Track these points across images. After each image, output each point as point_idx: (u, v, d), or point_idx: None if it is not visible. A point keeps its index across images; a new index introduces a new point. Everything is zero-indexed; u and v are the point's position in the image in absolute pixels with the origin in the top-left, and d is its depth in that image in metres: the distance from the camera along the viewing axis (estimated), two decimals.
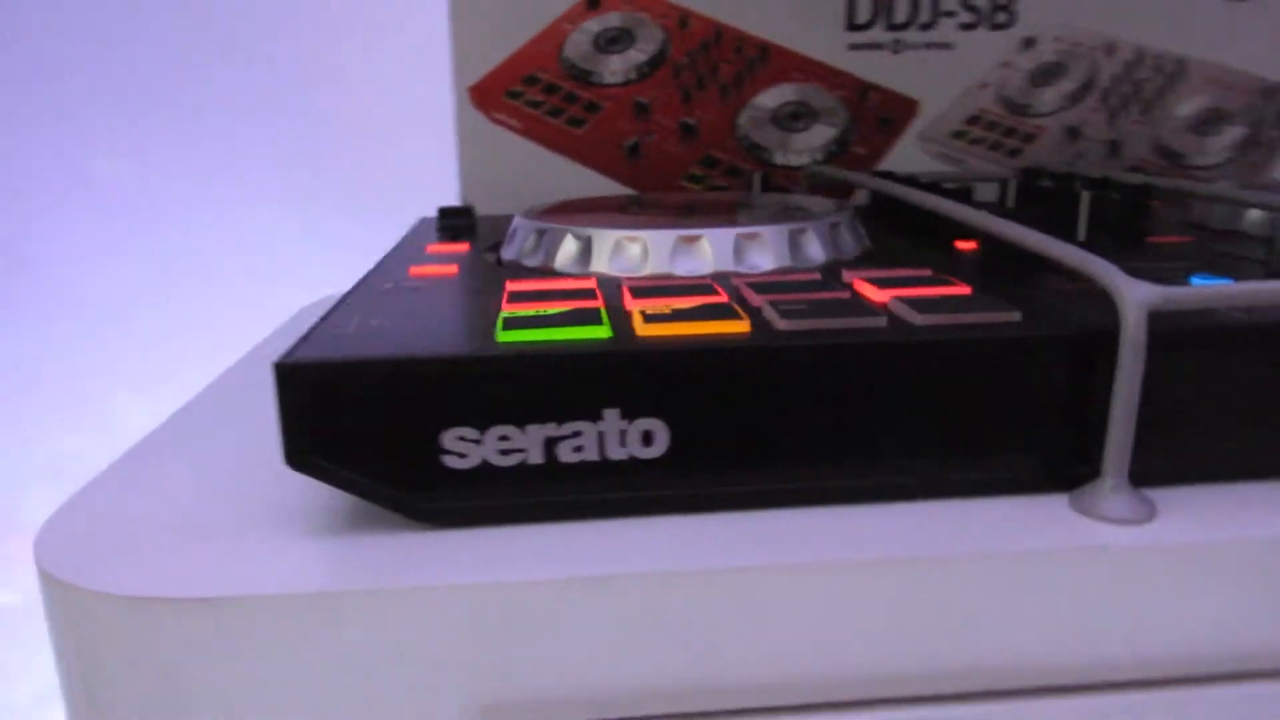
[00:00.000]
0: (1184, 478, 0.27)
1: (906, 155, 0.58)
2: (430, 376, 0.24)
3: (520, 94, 0.56)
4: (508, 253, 0.39)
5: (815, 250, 0.36)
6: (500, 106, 0.56)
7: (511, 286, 0.32)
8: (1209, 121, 0.59)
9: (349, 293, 0.33)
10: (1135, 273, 0.25)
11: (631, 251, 0.35)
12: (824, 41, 0.57)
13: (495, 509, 0.26)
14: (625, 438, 0.25)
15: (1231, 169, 0.60)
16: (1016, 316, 0.27)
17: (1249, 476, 0.27)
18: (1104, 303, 0.25)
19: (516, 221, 0.40)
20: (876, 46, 0.57)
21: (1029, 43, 0.58)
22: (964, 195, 0.42)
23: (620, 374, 0.25)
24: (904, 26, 0.57)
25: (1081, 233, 0.38)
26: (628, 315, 0.28)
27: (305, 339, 0.26)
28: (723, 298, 0.29)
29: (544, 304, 0.29)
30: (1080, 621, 0.24)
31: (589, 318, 0.27)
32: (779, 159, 0.58)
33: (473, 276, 0.35)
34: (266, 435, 0.32)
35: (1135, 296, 0.24)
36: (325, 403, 0.24)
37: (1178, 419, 0.26)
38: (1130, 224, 0.41)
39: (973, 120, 0.58)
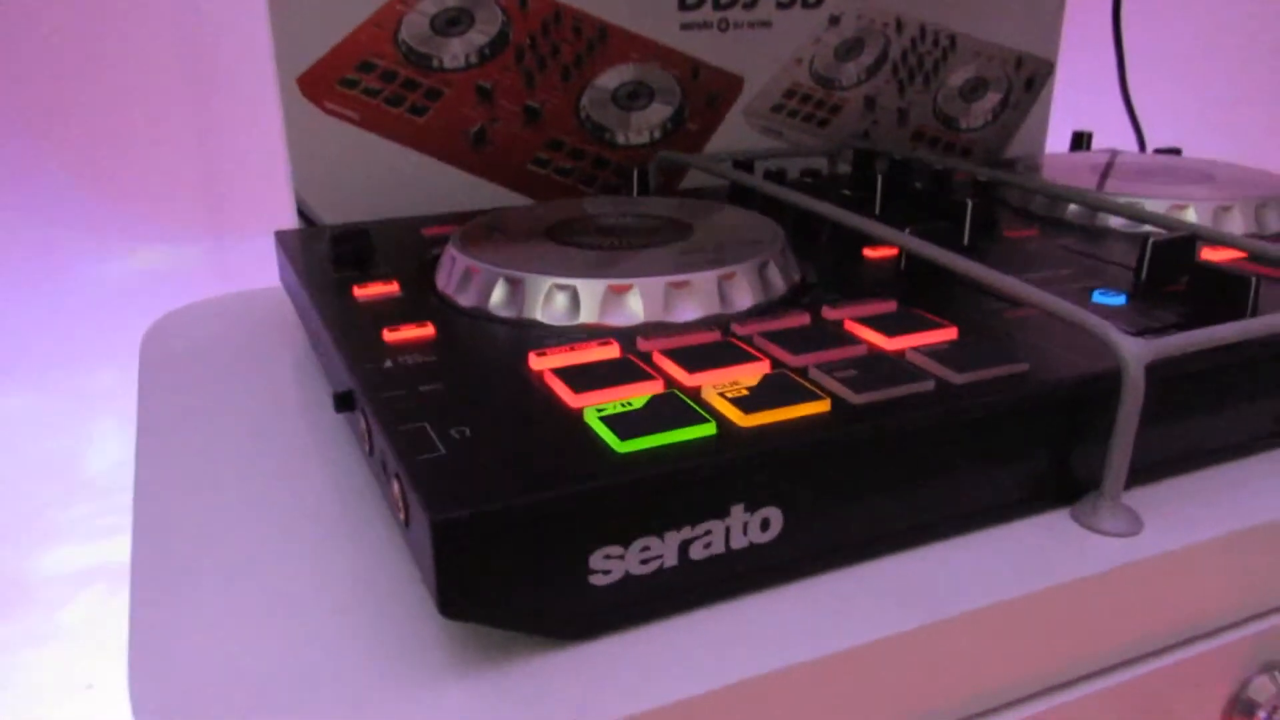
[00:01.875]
0: (1155, 477, 0.33)
1: (732, 130, 0.61)
2: (578, 508, 0.24)
3: (356, 82, 0.52)
4: (465, 298, 0.37)
5: (778, 281, 0.38)
6: (334, 97, 0.52)
7: (538, 364, 0.31)
8: (974, 89, 0.67)
9: (359, 381, 0.31)
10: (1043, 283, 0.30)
11: (625, 302, 0.35)
12: (657, 21, 0.57)
13: (635, 613, 0.26)
14: (747, 528, 0.27)
15: (989, 130, 0.69)
16: (1026, 366, 0.31)
17: (1202, 466, 0.34)
18: (1067, 338, 0.30)
19: (459, 259, 0.38)
20: (706, 25, 0.58)
21: (834, 20, 0.62)
22: (818, 183, 0.46)
23: (743, 472, 0.26)
24: (729, 6, 0.58)
25: (966, 238, 0.44)
26: (701, 398, 0.29)
27: (418, 479, 0.24)
28: (763, 363, 0.31)
29: (612, 390, 0.29)
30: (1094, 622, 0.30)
31: (683, 412, 0.27)
32: (620, 139, 0.58)
33: (461, 340, 0.34)
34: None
35: (1135, 353, 0.29)
36: (480, 552, 0.24)
37: (1154, 433, 0.32)
38: (988, 222, 0.47)
39: (789, 94, 0.62)
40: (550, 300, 0.35)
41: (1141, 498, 0.32)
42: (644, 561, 0.26)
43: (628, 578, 0.26)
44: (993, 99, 0.68)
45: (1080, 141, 0.63)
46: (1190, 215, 0.46)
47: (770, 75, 0.61)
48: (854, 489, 0.28)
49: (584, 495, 0.24)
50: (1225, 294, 0.35)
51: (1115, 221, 0.47)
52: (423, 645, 0.26)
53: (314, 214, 0.53)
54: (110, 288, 0.65)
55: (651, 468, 0.25)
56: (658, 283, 0.35)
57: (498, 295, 0.36)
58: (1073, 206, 0.49)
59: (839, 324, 0.34)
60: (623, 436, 0.26)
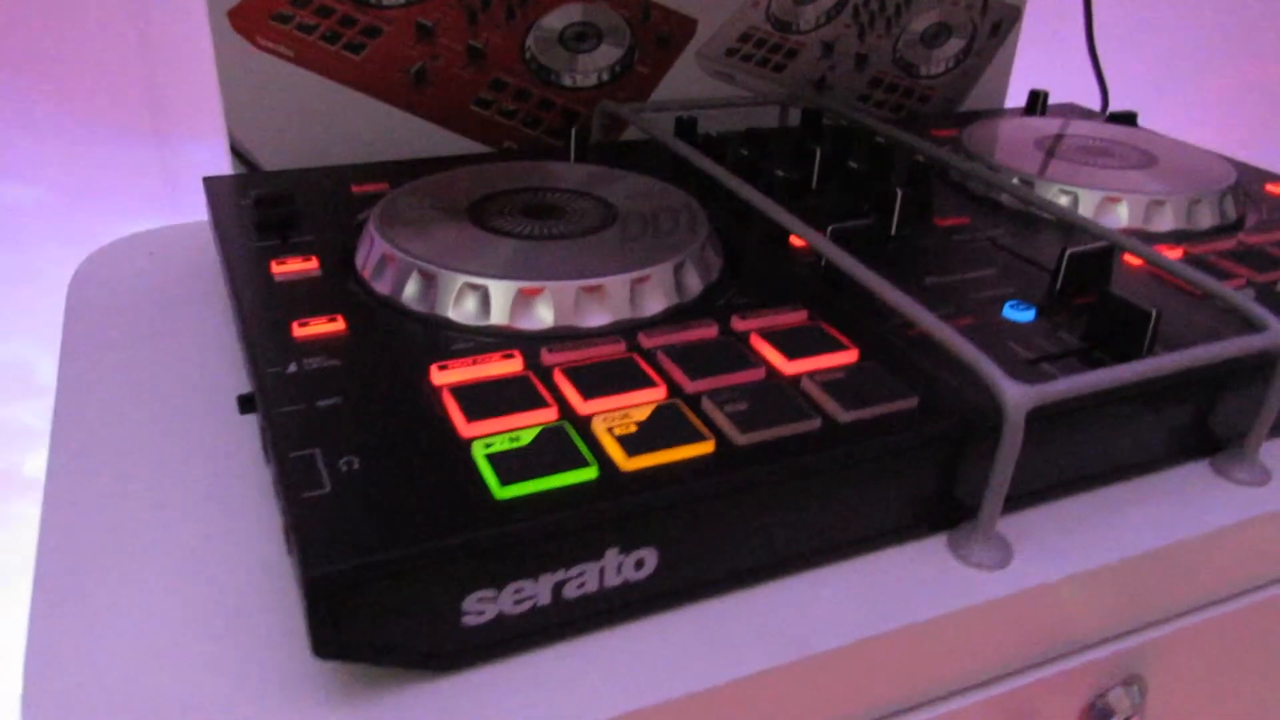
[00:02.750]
0: (1035, 503, 0.34)
1: (684, 74, 0.60)
2: (453, 558, 0.25)
3: (290, 18, 0.50)
4: (380, 285, 0.37)
5: (694, 283, 0.38)
6: (267, 32, 0.50)
7: (440, 379, 0.32)
8: (937, 35, 0.66)
9: (260, 387, 0.31)
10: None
11: (535, 306, 0.35)
12: None
13: (506, 646, 0.28)
14: (621, 568, 0.28)
15: (950, 77, 0.68)
16: (915, 402, 0.32)
17: (1086, 490, 0.35)
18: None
19: (377, 243, 0.38)
20: None
21: None
22: (757, 152, 0.45)
23: (620, 516, 0.27)
24: None
25: (894, 228, 0.44)
26: (591, 430, 0.29)
27: (299, 524, 0.25)
28: (659, 388, 0.31)
29: (504, 419, 0.29)
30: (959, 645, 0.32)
31: (566, 453, 0.28)
32: (567, 81, 0.57)
33: (371, 339, 0.34)
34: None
35: (1016, 401, 0.30)
36: (354, 601, 0.25)
37: (1037, 462, 0.33)
38: (923, 206, 0.47)
39: (744, 38, 0.60)
40: (462, 300, 0.35)
41: (1020, 523, 0.34)
42: (517, 602, 0.27)
43: (500, 616, 0.27)
44: (955, 45, 0.67)
45: (1036, 101, 0.62)
46: (1122, 210, 0.47)
47: (725, 17, 0.59)
48: (731, 529, 0.29)
49: (459, 547, 0.25)
50: (1126, 326, 0.35)
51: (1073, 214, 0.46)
52: (302, 675, 0.27)
53: (250, 154, 0.52)
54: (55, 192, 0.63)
55: (528, 516, 0.26)
56: (570, 287, 0.35)
57: (411, 289, 0.36)
58: (1010, 185, 0.48)
59: (745, 338, 0.35)
60: (504, 480, 0.27)
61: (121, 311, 0.45)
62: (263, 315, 0.35)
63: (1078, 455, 0.35)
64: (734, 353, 0.34)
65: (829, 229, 0.40)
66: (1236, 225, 0.48)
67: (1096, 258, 0.40)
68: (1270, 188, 0.53)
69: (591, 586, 0.28)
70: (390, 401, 0.31)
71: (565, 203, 0.43)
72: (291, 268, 0.39)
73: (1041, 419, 0.32)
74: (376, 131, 0.54)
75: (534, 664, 0.28)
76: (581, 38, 0.56)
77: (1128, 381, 0.32)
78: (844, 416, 0.31)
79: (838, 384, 0.32)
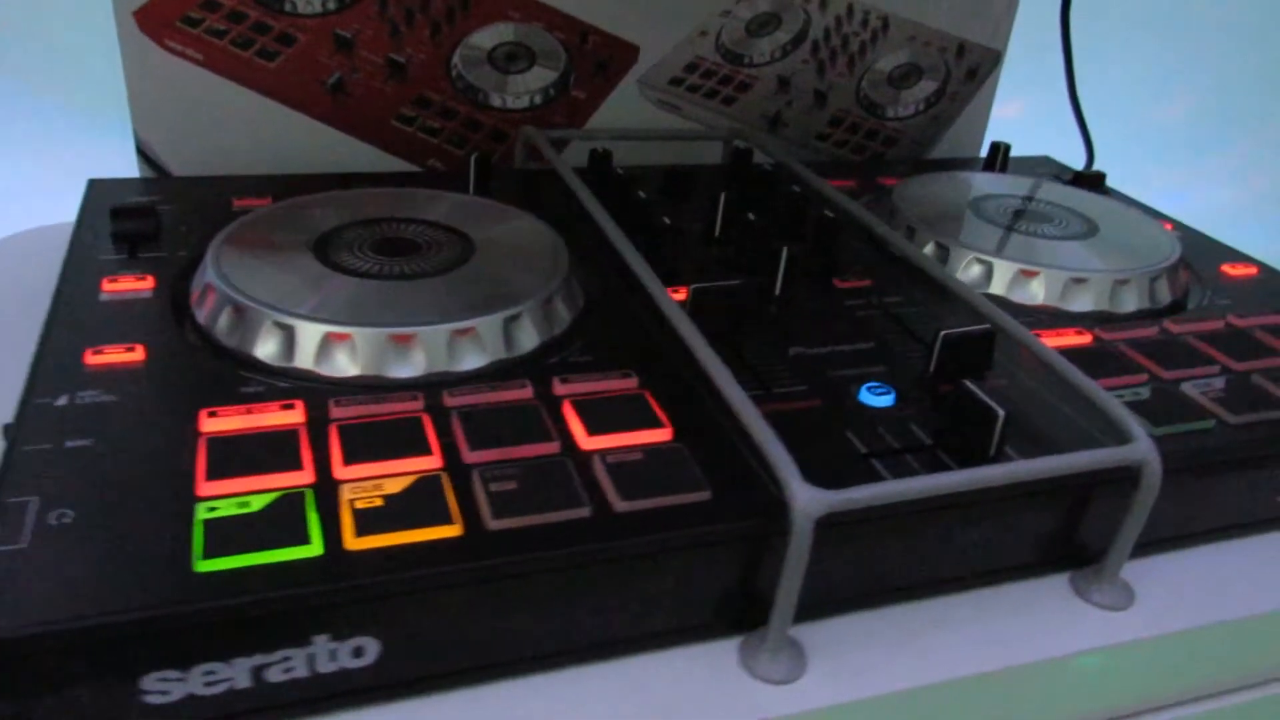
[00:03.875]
0: (835, 613, 0.32)
1: (627, 100, 0.57)
2: (125, 636, 0.24)
3: (200, 21, 0.49)
4: (200, 314, 0.36)
5: (528, 338, 0.36)
6: (175, 35, 0.49)
7: (207, 426, 0.30)
8: (906, 76, 0.62)
9: (20, 419, 0.30)
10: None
11: (340, 354, 0.33)
12: None
13: None
14: (335, 655, 0.26)
15: (920, 120, 0.64)
16: (707, 495, 0.29)
17: (889, 603, 0.32)
18: None
19: (207, 269, 0.36)
20: None
21: None
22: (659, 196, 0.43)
23: (331, 605, 0.25)
24: None
25: (779, 288, 0.41)
26: (337, 497, 0.27)
27: None
28: (432, 457, 0.29)
29: (246, 479, 0.28)
30: None
31: (295, 524, 0.26)
32: (496, 101, 0.55)
33: (162, 372, 0.32)
34: None
35: (804, 508, 0.27)
36: (24, 668, 0.23)
37: (824, 575, 0.31)
38: (825, 264, 0.44)
39: (691, 67, 0.58)
40: (267, 339, 0.34)
41: (830, 633, 0.31)
42: (208, 684, 0.25)
43: (191, 697, 0.25)
44: (926, 88, 0.63)
45: (996, 154, 0.59)
46: (1036, 286, 0.43)
47: (670, 45, 0.57)
48: (472, 621, 0.27)
49: (130, 624, 0.23)
50: (975, 425, 0.32)
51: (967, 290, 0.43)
52: None
53: (158, 158, 0.51)
54: None
55: (213, 596, 0.24)
56: (379, 335, 0.33)
57: (223, 321, 0.35)
58: (928, 247, 0.45)
59: (558, 404, 0.33)
60: (208, 552, 0.25)
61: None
62: (65, 336, 0.34)
63: (902, 562, 0.32)
64: (533, 421, 0.31)
65: (692, 288, 0.38)
66: (1169, 310, 0.44)
67: (974, 341, 0.37)
68: (1227, 268, 0.49)
69: (301, 673, 0.26)
70: (145, 448, 0.29)
71: (423, 237, 0.41)
72: (123, 286, 0.37)
73: (849, 523, 0.29)
74: (292, 141, 0.53)
75: None
76: (512, 58, 0.54)
77: (936, 493, 0.29)
78: (620, 505, 0.28)
79: (628, 467, 0.30)
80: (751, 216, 0.45)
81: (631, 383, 0.34)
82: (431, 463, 0.29)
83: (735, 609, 0.30)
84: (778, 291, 0.41)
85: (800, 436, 0.32)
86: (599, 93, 0.57)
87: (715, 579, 0.29)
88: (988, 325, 0.37)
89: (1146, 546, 0.35)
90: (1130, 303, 0.43)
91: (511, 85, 0.55)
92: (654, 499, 0.29)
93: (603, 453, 0.30)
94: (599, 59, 0.56)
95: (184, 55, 0.49)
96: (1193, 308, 0.45)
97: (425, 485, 0.28)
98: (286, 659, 0.25)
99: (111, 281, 0.38)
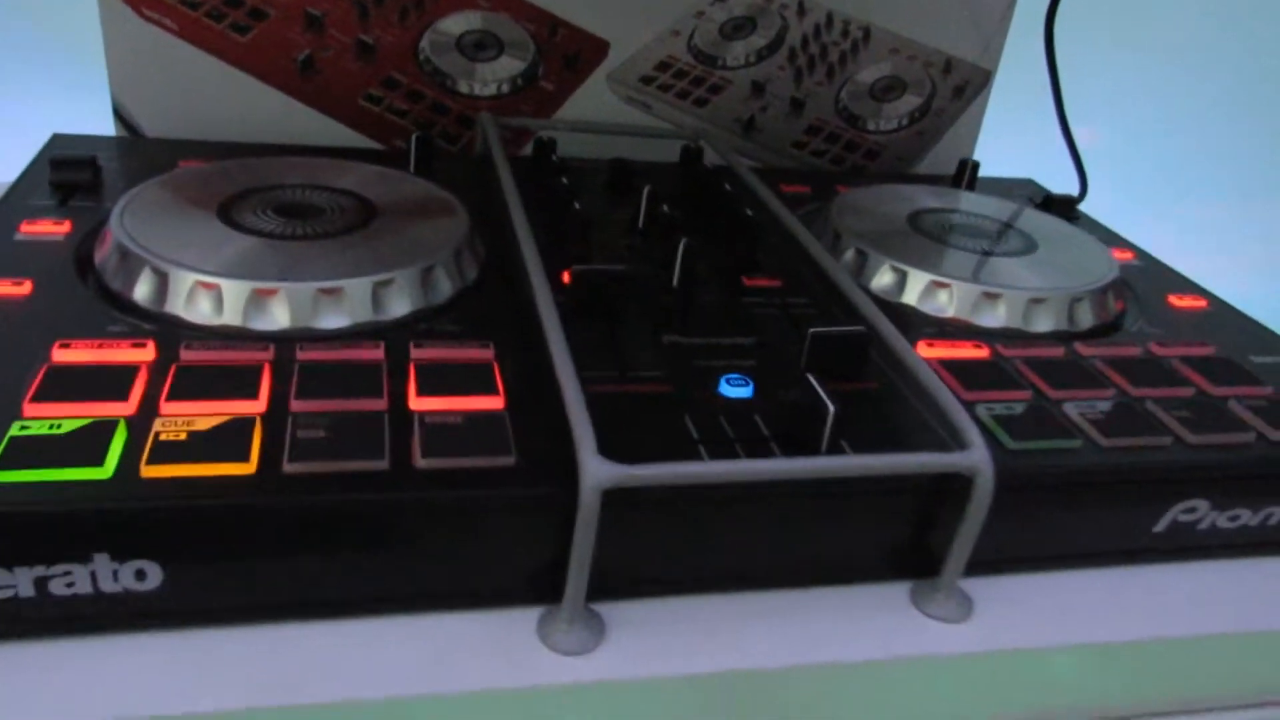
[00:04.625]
0: (638, 594, 0.32)
1: (596, 95, 0.58)
2: None
3: None
4: (98, 255, 0.37)
5: (399, 304, 0.37)
6: (151, 3, 0.51)
7: (57, 356, 0.31)
8: (889, 89, 0.62)
9: None
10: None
11: (204, 301, 0.35)
12: None
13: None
14: (118, 575, 0.27)
15: (902, 135, 0.63)
16: (510, 461, 0.29)
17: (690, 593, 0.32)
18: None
19: (111, 221, 0.38)
20: None
21: None
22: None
23: (110, 524, 0.26)
24: None
25: (675, 279, 0.41)
26: (150, 430, 0.29)
27: None
28: (257, 402, 0.30)
29: (69, 405, 0.29)
30: None
31: (95, 448, 0.27)
32: (464, 88, 0.56)
33: (43, 307, 0.34)
34: None
35: (593, 479, 0.27)
36: None
37: (625, 555, 0.31)
38: (735, 265, 0.44)
39: (662, 66, 0.58)
40: (143, 282, 0.35)
41: (636, 613, 0.31)
42: None
43: None
44: (910, 103, 0.62)
45: (963, 171, 0.58)
46: (944, 297, 0.42)
47: (642, 44, 0.57)
48: (259, 558, 0.28)
49: None
50: (809, 419, 0.32)
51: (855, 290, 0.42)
52: None
53: (132, 120, 0.54)
54: None
55: (3, 503, 0.25)
56: (243, 286, 0.35)
57: (111, 264, 0.36)
58: (847, 254, 0.45)
59: (404, 368, 0.33)
60: (4, 464, 0.26)
61: None
62: None
63: (728, 553, 0.32)
64: (369, 380, 0.32)
65: (572, 269, 0.38)
66: (1091, 333, 0.43)
67: (845, 341, 0.36)
68: (1175, 299, 0.47)
69: (85, 588, 0.27)
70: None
71: (328, 203, 0.42)
72: (39, 229, 0.40)
73: (656, 502, 0.29)
74: (261, 113, 0.55)
75: (13, 651, 0.27)
76: (481, 46, 0.56)
77: (729, 479, 0.29)
78: (421, 462, 0.29)
79: (443, 429, 0.30)
80: (665, 209, 0.45)
81: (487, 354, 0.35)
82: (254, 407, 0.30)
83: (538, 579, 0.30)
84: (675, 283, 0.41)
85: (635, 419, 0.33)
86: (568, 86, 0.58)
87: (516, 546, 0.30)
88: (862, 327, 0.37)
89: (1003, 564, 0.34)
90: (1044, 323, 0.42)
91: (479, 73, 0.56)
92: (456, 459, 0.29)
93: (425, 414, 0.31)
94: (568, 52, 0.57)
95: (160, 24, 0.52)
96: (1114, 335, 0.43)
97: (234, 425, 0.29)
98: (68, 573, 0.27)
99: (30, 224, 0.40)
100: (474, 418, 0.31)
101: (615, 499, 0.28)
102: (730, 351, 0.37)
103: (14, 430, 0.28)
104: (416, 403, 0.32)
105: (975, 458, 0.31)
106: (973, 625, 0.32)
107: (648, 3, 0.56)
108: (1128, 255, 0.52)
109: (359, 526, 0.28)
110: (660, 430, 0.32)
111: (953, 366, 0.38)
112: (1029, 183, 0.62)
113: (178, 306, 0.35)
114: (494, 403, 0.32)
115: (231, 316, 0.34)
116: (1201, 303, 0.47)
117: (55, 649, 0.27)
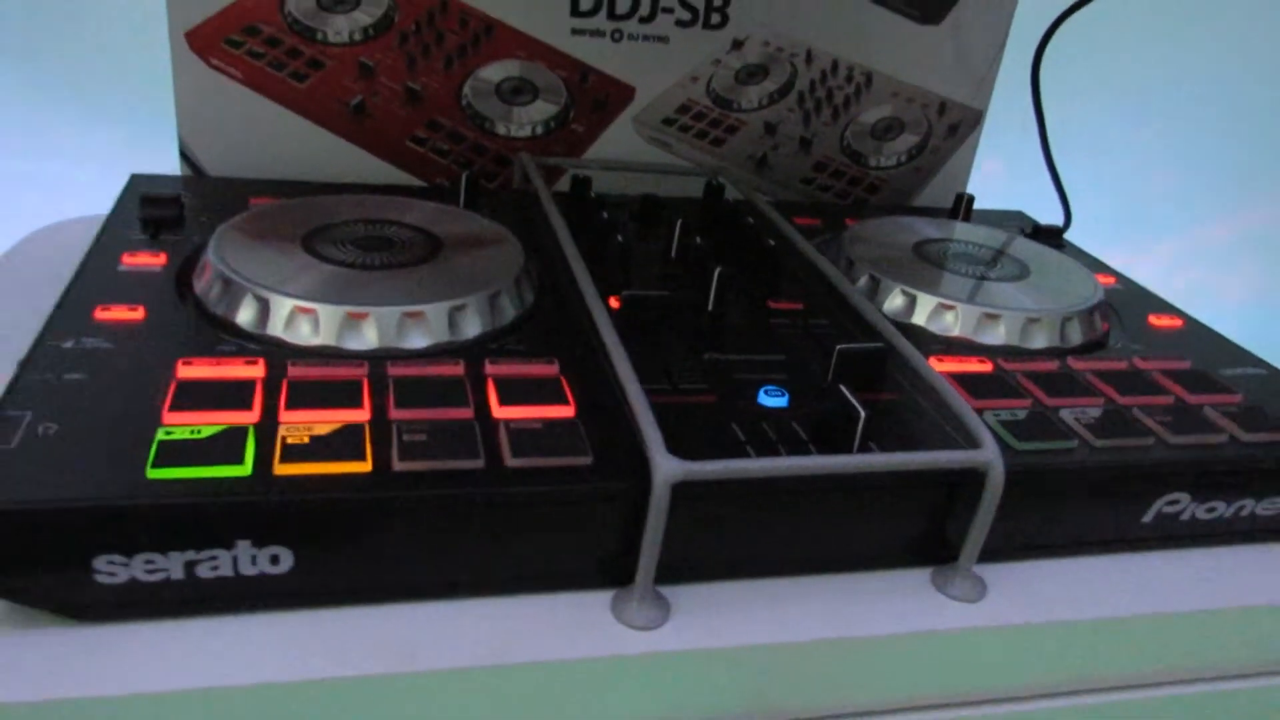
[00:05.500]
0: (699, 578, 0.36)
1: (622, 135, 0.63)
2: (82, 520, 0.29)
3: (241, 44, 0.56)
4: (197, 285, 0.42)
5: (471, 326, 0.41)
6: (219, 54, 0.56)
7: (182, 373, 0.36)
8: (889, 129, 0.67)
9: (31, 355, 0.36)
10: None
11: (304, 324, 0.39)
12: (547, 23, 0.59)
13: (141, 608, 0.31)
14: (255, 560, 0.31)
15: (902, 171, 0.69)
16: (588, 460, 0.34)
17: (740, 577, 0.36)
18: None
19: (209, 253, 0.42)
20: (598, 34, 0.60)
21: (738, 44, 0.62)
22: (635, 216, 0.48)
23: (252, 514, 0.30)
24: (625, 17, 0.60)
25: (711, 303, 0.45)
26: (273, 438, 0.33)
27: None
28: (363, 410, 0.35)
29: (203, 414, 0.33)
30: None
31: (234, 450, 0.32)
32: (501, 129, 0.61)
33: (157, 330, 0.39)
34: None
35: (664, 474, 0.32)
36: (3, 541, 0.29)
37: (693, 541, 0.35)
38: (760, 290, 0.49)
39: (683, 109, 0.63)
40: (246, 307, 0.39)
41: (690, 595, 0.35)
42: (149, 571, 0.30)
43: (134, 581, 0.30)
44: (908, 141, 0.68)
45: (959, 204, 0.63)
46: (950, 319, 0.47)
47: (664, 89, 0.62)
48: (374, 546, 0.32)
49: (85, 510, 0.29)
50: (842, 423, 0.37)
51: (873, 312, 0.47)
52: None
53: (198, 161, 0.58)
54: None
55: (154, 496, 0.30)
56: (338, 310, 0.39)
57: (214, 292, 0.41)
58: (861, 281, 0.50)
59: (481, 382, 0.38)
60: (158, 463, 0.31)
61: (15, 274, 0.51)
62: (81, 295, 0.40)
63: (774, 541, 0.36)
64: (456, 392, 0.37)
65: (623, 294, 0.43)
66: (1082, 349, 0.48)
67: (867, 357, 0.41)
68: (1154, 319, 0.52)
69: (226, 571, 0.31)
70: (127, 387, 0.35)
71: (399, 236, 0.46)
72: (140, 260, 0.44)
73: (714, 497, 0.34)
74: (316, 154, 0.59)
75: (165, 628, 0.31)
76: (518, 91, 0.60)
77: (781, 474, 0.33)
78: (511, 461, 0.33)
79: (527, 433, 0.35)
80: (699, 240, 0.49)
81: (553, 369, 0.39)
82: (360, 415, 0.35)
83: (612, 564, 0.35)
84: (710, 306, 0.46)
85: (689, 425, 0.37)
86: (596, 127, 0.63)
87: (592, 535, 0.34)
88: (881, 343, 0.42)
89: (1013, 552, 0.39)
90: (1040, 340, 0.47)
91: (516, 116, 0.61)
92: (541, 459, 0.34)
93: (509, 421, 0.35)
94: (597, 97, 0.62)
95: (226, 72, 0.56)
96: (1107, 349, 0.48)
97: (349, 431, 0.34)
98: (213, 558, 0.31)
99: (131, 256, 0.44)
100: (552, 424, 0.35)
101: (677, 494, 0.32)
102: (764, 367, 0.42)
103: (160, 435, 0.32)
104: (499, 412, 0.36)
105: (988, 455, 0.35)
106: (986, 604, 0.37)
107: (670, 52, 0.61)
108: (1110, 280, 0.57)
109: (461, 517, 0.32)
110: (712, 434, 0.37)
111: (961, 379, 0.43)
112: (1019, 214, 0.68)
113: (278, 329, 0.39)
114: (566, 411, 0.37)
115: (327, 337, 0.39)
116: (1177, 322, 0.53)
117: (199, 625, 0.31)
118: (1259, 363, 0.49)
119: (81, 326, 0.38)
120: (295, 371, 0.37)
